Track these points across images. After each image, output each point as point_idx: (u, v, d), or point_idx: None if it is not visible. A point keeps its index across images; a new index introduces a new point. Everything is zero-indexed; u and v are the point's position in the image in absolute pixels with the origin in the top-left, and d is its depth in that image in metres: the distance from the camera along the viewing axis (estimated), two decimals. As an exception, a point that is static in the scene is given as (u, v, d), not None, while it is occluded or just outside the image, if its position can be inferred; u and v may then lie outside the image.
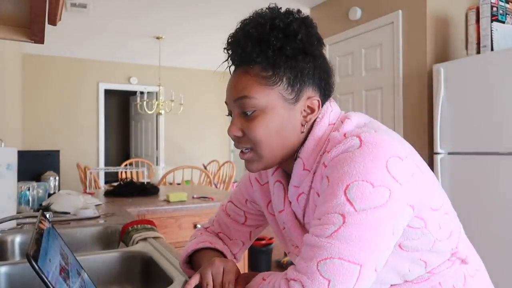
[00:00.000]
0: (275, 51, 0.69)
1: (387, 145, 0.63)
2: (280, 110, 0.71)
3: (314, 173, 0.72)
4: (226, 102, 0.77)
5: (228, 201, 0.97)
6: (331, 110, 0.75)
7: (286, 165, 0.78)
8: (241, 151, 0.75)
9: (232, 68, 0.76)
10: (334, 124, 0.73)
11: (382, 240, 0.60)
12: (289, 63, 0.70)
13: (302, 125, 0.73)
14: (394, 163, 0.61)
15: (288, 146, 0.73)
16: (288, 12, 0.72)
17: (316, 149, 0.72)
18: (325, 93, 0.76)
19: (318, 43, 0.74)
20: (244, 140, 0.73)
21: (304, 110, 0.73)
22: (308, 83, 0.72)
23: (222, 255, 0.90)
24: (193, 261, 0.90)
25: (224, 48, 0.75)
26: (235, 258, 0.95)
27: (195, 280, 0.75)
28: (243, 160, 0.76)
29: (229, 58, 0.75)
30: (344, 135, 0.68)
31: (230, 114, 0.77)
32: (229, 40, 0.74)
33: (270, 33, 0.69)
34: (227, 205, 0.97)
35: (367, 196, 0.59)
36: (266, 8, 0.73)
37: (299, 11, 0.74)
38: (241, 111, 0.72)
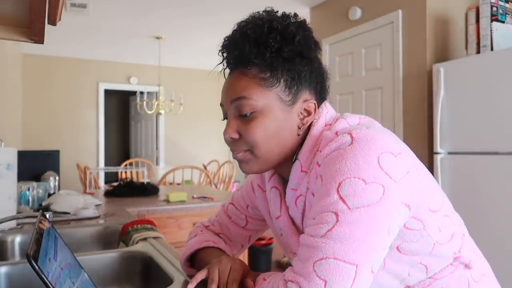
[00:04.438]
0: (272, 53, 0.69)
1: (379, 141, 0.62)
2: (277, 112, 0.71)
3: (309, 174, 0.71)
4: (221, 104, 0.75)
5: (230, 203, 0.97)
6: (327, 112, 0.75)
7: (282, 169, 0.77)
8: (235, 151, 0.74)
9: (227, 71, 0.76)
10: (330, 125, 0.73)
11: (377, 239, 0.58)
12: (286, 65, 0.70)
13: (299, 128, 0.73)
14: (386, 158, 0.61)
15: (285, 149, 0.73)
16: (285, 15, 0.73)
17: (313, 150, 0.71)
18: (321, 96, 0.76)
19: (315, 47, 0.74)
20: (240, 143, 0.72)
21: (301, 113, 0.73)
22: (305, 86, 0.73)
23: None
24: (195, 260, 0.89)
25: (220, 50, 0.74)
26: None
27: (201, 275, 0.76)
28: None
29: (225, 60, 0.75)
30: (336, 133, 0.68)
31: (225, 117, 0.76)
32: (225, 42, 0.74)
33: (268, 35, 0.69)
34: (229, 206, 0.96)
35: (359, 193, 0.58)
36: (263, 11, 0.73)
37: (295, 15, 0.74)
38: (238, 113, 0.72)
